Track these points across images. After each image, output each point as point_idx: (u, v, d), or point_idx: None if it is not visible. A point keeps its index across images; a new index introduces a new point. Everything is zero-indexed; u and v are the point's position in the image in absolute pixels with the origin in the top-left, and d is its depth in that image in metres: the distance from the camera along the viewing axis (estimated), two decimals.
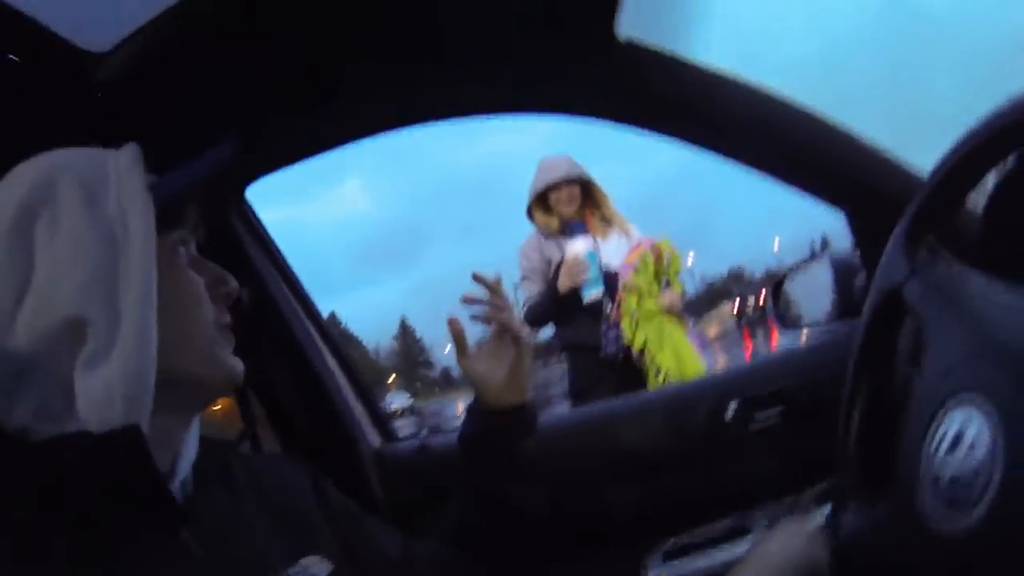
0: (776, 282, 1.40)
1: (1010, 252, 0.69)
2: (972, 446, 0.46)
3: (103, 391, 0.56)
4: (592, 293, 2.68)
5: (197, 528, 0.60)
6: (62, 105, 0.92)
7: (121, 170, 0.64)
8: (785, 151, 1.04)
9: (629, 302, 2.66)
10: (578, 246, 2.68)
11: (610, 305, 2.71)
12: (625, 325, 2.66)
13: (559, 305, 2.74)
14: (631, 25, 0.91)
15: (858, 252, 1.14)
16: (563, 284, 2.68)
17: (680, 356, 2.63)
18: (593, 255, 2.68)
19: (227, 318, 0.70)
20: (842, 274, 1.14)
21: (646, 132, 1.07)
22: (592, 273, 2.67)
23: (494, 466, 0.97)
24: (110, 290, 0.59)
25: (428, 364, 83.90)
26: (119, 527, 0.54)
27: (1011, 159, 0.67)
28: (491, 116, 1.11)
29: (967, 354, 0.51)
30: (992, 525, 0.43)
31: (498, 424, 0.97)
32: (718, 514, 1.16)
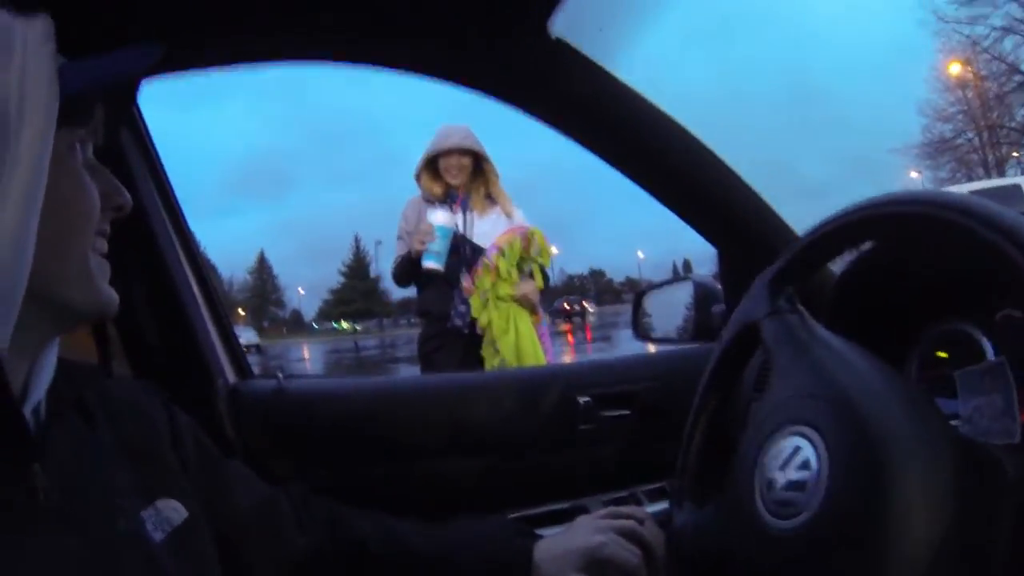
0: (639, 293, 1.50)
1: (850, 319, 0.81)
2: (801, 466, 0.56)
3: None
4: (429, 264, 2.70)
5: (48, 463, 0.54)
6: None
7: (28, 43, 0.55)
8: (678, 181, 1.11)
9: (484, 280, 2.70)
10: (438, 215, 2.71)
11: (467, 279, 2.75)
12: (475, 301, 2.71)
13: (412, 267, 2.79)
14: (564, 27, 0.93)
15: (720, 282, 1.25)
16: (412, 246, 2.74)
17: (521, 346, 2.69)
18: (446, 230, 2.70)
19: (105, 242, 0.63)
20: (703, 298, 1.25)
21: (549, 125, 1.10)
22: (437, 246, 2.69)
23: None
24: None
25: (280, 303, 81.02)
26: None
27: (868, 244, 0.81)
28: (402, 72, 1.08)
29: (805, 392, 0.61)
30: (815, 528, 0.54)
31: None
32: (559, 496, 1.22)
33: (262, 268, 78.96)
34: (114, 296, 0.62)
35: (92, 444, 0.63)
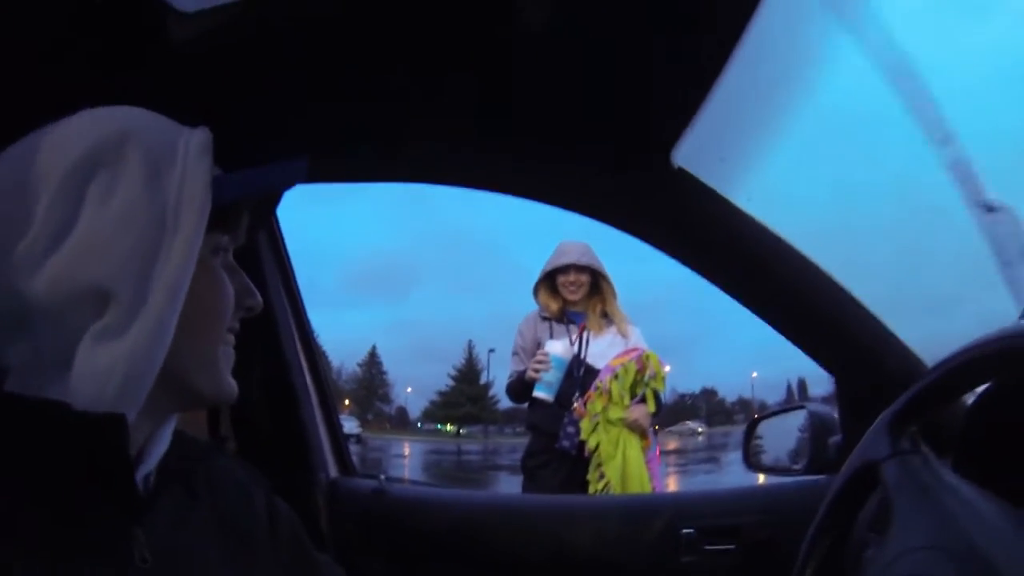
0: (752, 422, 1.44)
1: (982, 458, 0.74)
2: None
3: (104, 369, 0.53)
4: (540, 394, 2.71)
5: (149, 528, 0.58)
6: (135, 55, 0.88)
7: (190, 154, 0.61)
8: (794, 307, 1.09)
9: (596, 404, 2.65)
10: (556, 346, 2.73)
11: (579, 402, 2.71)
12: (585, 424, 2.65)
13: (524, 388, 2.81)
14: (686, 157, 0.96)
15: (837, 412, 1.18)
16: (527, 370, 2.76)
17: (628, 470, 2.60)
18: (561, 361, 2.71)
19: (234, 338, 0.68)
20: (819, 430, 1.18)
21: (667, 253, 1.10)
22: (551, 376, 2.70)
23: None
24: (144, 272, 0.56)
25: (386, 398, 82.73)
26: (74, 509, 0.52)
27: (999, 380, 0.75)
28: (529, 198, 1.14)
29: (928, 543, 0.56)
30: None
31: None
32: None
33: (372, 362, 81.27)
34: (234, 387, 0.66)
35: (193, 518, 0.66)
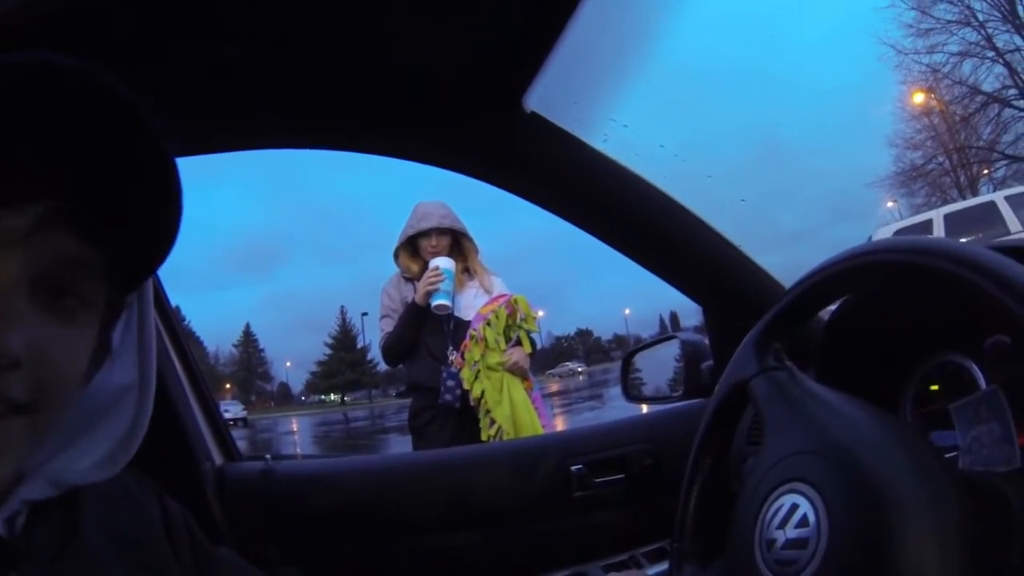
0: (627, 355, 1.50)
1: (840, 366, 0.81)
2: (800, 523, 0.56)
3: None
4: (440, 301, 2.71)
5: (28, 569, 0.52)
6: None
7: None
8: (658, 243, 1.12)
9: (474, 352, 2.69)
10: (441, 260, 2.75)
11: (455, 354, 2.75)
12: (465, 374, 2.69)
13: (415, 318, 2.79)
14: (539, 102, 0.95)
15: (708, 340, 1.25)
16: (419, 293, 2.74)
17: (517, 412, 2.66)
18: (450, 271, 2.74)
19: None
20: (692, 356, 1.25)
21: (528, 199, 1.11)
22: (447, 285, 2.71)
23: None
24: None
25: (267, 376, 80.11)
26: None
27: (850, 295, 0.82)
28: (381, 154, 1.10)
29: (800, 448, 0.60)
30: None
31: None
32: (560, 564, 1.20)
33: (248, 341, 78.38)
34: None
35: (76, 552, 0.59)
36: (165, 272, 1.37)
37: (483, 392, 2.66)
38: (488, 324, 2.71)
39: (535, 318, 2.85)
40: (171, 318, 1.38)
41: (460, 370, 2.71)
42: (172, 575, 0.68)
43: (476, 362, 2.68)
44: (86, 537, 0.61)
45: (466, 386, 2.68)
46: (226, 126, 1.06)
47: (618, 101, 1.03)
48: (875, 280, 0.68)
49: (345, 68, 0.94)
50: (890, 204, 27.27)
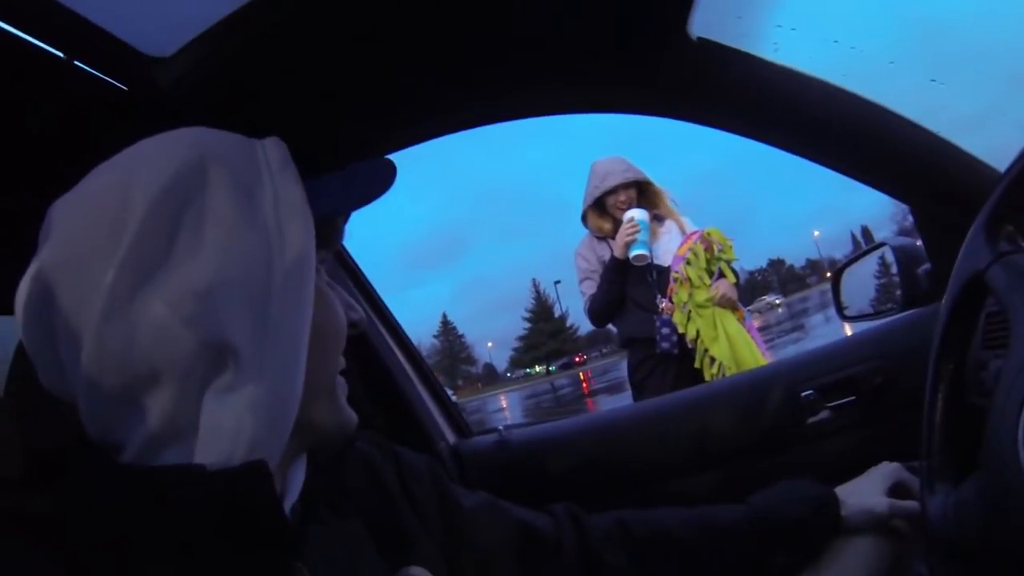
0: (835, 273, 1.41)
1: None
2: None
3: (232, 425, 0.48)
4: (639, 251, 2.70)
5: (308, 560, 0.54)
6: (125, 109, 0.86)
7: (274, 168, 0.55)
8: (855, 146, 1.05)
9: (681, 294, 2.66)
10: (632, 212, 2.73)
11: (663, 300, 2.72)
12: (677, 318, 2.67)
13: (619, 274, 2.79)
14: (702, 26, 0.92)
15: (922, 242, 1.15)
16: (618, 247, 2.74)
17: (735, 346, 2.60)
18: (644, 222, 2.72)
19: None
20: (907, 262, 1.15)
21: (717, 127, 1.08)
22: (643, 235, 2.70)
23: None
24: (261, 312, 0.50)
25: (470, 360, 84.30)
26: (232, 567, 0.48)
27: None
28: (562, 113, 1.12)
29: None
30: None
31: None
32: None
33: (447, 329, 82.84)
34: (355, 418, 0.61)
35: (343, 535, 0.63)
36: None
37: (698, 331, 2.62)
38: (688, 263, 2.67)
39: (731, 246, 2.76)
40: (389, 318, 1.50)
41: (671, 315, 2.69)
42: (423, 549, 0.70)
43: (685, 303, 2.65)
44: (348, 525, 0.65)
45: (680, 330, 2.66)
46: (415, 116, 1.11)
47: (779, 4, 0.97)
48: None
49: (508, 33, 0.96)
50: None
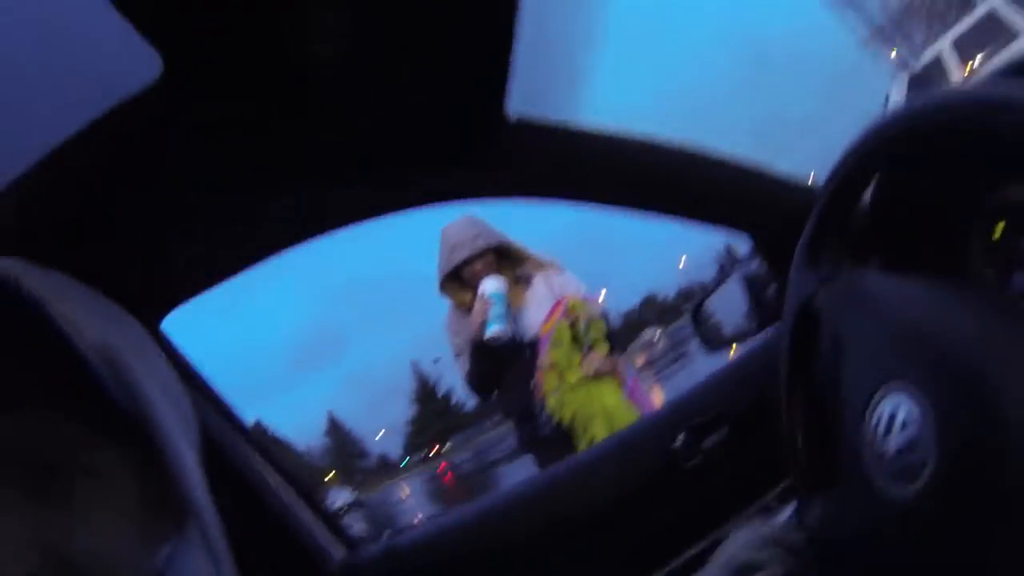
0: (694, 309, 1.46)
1: (897, 249, 0.77)
2: (905, 425, 0.52)
3: None
4: (494, 329, 2.50)
5: None
6: None
7: None
8: (682, 194, 1.09)
9: (550, 382, 2.56)
10: (488, 284, 2.53)
11: (536, 383, 2.60)
12: (551, 404, 2.55)
13: (484, 353, 2.60)
14: (520, 102, 0.94)
15: (765, 267, 1.20)
16: (473, 328, 2.56)
17: (615, 419, 2.50)
18: (498, 294, 2.52)
19: None
20: (755, 289, 1.21)
21: (547, 201, 1.09)
22: (496, 310, 2.50)
23: None
24: None
25: (363, 454, 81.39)
26: None
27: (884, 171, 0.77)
28: (396, 213, 1.11)
29: (883, 348, 0.58)
30: (937, 487, 0.50)
31: None
32: (695, 539, 1.18)
33: (335, 427, 79.88)
34: None
35: None
36: (239, 388, 1.40)
37: (573, 415, 2.53)
38: (553, 345, 2.58)
39: (597, 315, 2.66)
40: (248, 434, 1.40)
41: (546, 398, 2.57)
42: None
43: (555, 389, 2.55)
44: None
45: (555, 418, 2.55)
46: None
47: (592, 69, 1.01)
48: (904, 150, 0.63)
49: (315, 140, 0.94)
50: (893, 54, 25.82)
